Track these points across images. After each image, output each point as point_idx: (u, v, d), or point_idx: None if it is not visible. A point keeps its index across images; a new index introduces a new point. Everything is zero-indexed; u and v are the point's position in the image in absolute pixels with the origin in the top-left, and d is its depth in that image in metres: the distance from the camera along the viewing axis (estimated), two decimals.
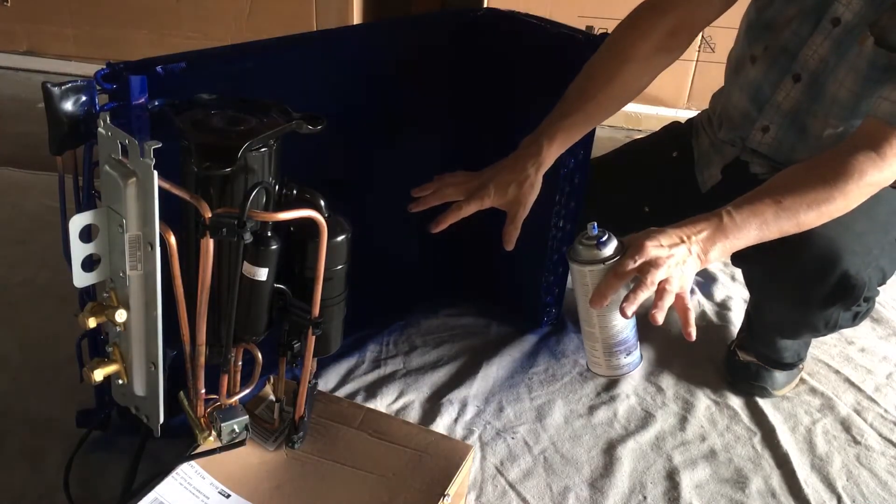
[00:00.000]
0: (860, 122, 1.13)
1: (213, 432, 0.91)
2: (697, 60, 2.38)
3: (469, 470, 1.07)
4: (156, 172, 0.72)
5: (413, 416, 1.25)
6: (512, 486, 1.14)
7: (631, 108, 2.47)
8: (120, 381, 0.86)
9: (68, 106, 0.81)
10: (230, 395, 0.92)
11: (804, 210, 1.02)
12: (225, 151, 0.76)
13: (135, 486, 0.95)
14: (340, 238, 0.88)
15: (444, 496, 0.96)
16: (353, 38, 1.22)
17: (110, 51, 2.48)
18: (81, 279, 0.80)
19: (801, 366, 1.38)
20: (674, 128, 1.49)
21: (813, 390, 1.39)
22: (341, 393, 1.28)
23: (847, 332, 1.52)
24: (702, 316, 1.56)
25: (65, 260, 0.80)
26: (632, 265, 0.95)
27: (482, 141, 1.35)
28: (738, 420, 1.31)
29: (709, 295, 1.63)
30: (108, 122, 0.76)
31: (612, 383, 1.35)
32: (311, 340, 0.90)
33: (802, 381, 1.40)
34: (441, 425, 1.23)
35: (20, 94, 2.38)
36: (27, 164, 1.91)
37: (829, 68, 1.15)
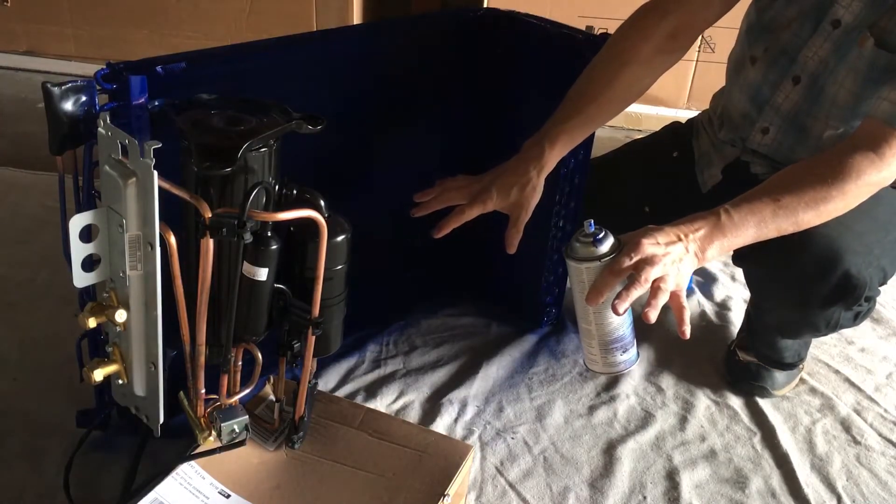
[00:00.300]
0: (860, 122, 1.13)
1: (213, 432, 0.91)
2: (697, 60, 2.38)
3: (469, 470, 1.07)
4: (156, 172, 0.72)
5: (413, 416, 1.25)
6: (512, 486, 1.14)
7: (631, 107, 2.43)
8: (120, 381, 0.86)
9: (68, 106, 0.81)
10: (230, 395, 0.92)
11: (802, 209, 1.02)
12: (225, 151, 0.76)
13: (135, 486, 0.95)
14: (340, 238, 0.88)
15: (444, 496, 0.96)
16: (353, 38, 1.22)
17: (110, 51, 2.48)
18: (81, 279, 0.80)
19: (801, 366, 1.38)
20: (674, 128, 1.49)
21: (813, 390, 1.39)
22: (341, 393, 1.28)
23: (847, 332, 1.52)
24: (702, 316, 1.56)
25: (65, 260, 0.80)
26: (627, 262, 0.95)
27: (482, 141, 1.35)
28: (738, 420, 1.31)
29: (709, 295, 1.63)
30: (108, 122, 0.76)
31: (611, 383, 1.35)
32: (311, 340, 0.90)
33: (802, 381, 1.40)
34: (441, 425, 1.23)
35: (20, 94, 2.38)
36: (27, 164, 1.91)
37: (828, 70, 1.15)
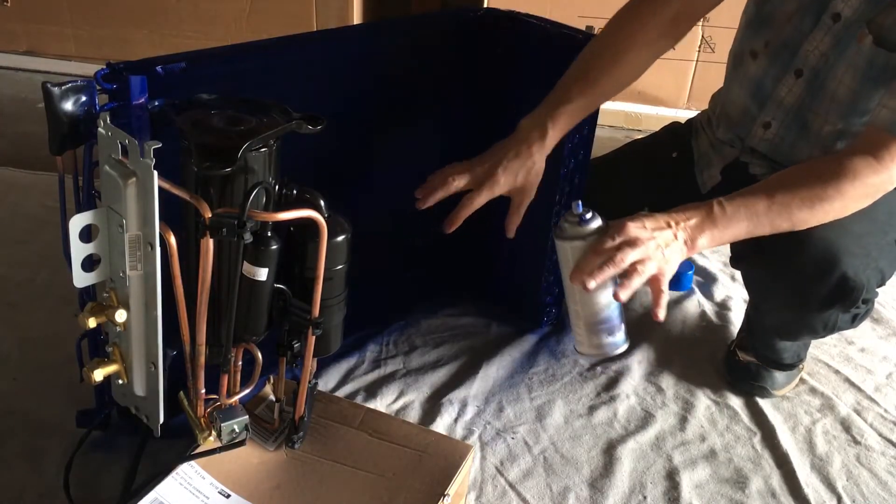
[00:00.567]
0: (859, 119, 1.14)
1: (213, 432, 0.91)
2: (697, 60, 2.38)
3: (469, 470, 1.07)
4: (156, 172, 0.72)
5: (413, 416, 1.25)
6: (512, 486, 1.14)
7: (631, 108, 2.47)
8: (120, 381, 0.86)
9: (68, 106, 0.81)
10: (230, 395, 0.92)
11: (797, 205, 1.02)
12: (225, 151, 0.76)
13: (135, 486, 0.95)
14: (340, 238, 0.88)
15: (444, 496, 0.96)
16: (353, 38, 1.22)
17: (110, 51, 2.48)
18: (81, 279, 0.80)
19: (801, 366, 1.38)
20: (674, 128, 1.49)
21: (813, 390, 1.39)
22: (341, 393, 1.28)
23: (847, 332, 1.52)
24: (702, 316, 1.56)
25: (65, 260, 0.80)
26: (610, 243, 0.96)
27: (482, 141, 1.35)
28: (738, 420, 1.31)
29: (709, 295, 1.63)
30: (108, 122, 0.76)
31: (611, 383, 1.35)
32: (311, 340, 0.90)
33: (802, 381, 1.40)
34: (441, 425, 1.23)
35: (20, 94, 2.38)
36: (27, 164, 1.91)
37: (829, 65, 1.15)
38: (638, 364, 1.41)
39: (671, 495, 1.16)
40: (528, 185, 1.11)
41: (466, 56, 1.29)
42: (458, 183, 1.09)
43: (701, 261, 1.72)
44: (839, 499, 1.17)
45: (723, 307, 1.59)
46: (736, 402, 1.34)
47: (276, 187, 0.84)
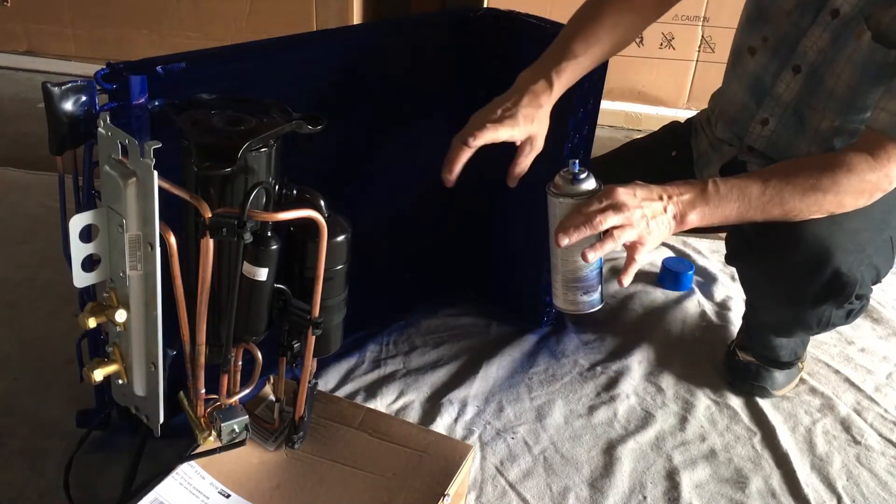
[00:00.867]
0: (857, 116, 1.14)
1: (213, 432, 0.91)
2: (697, 60, 2.38)
3: (469, 470, 1.07)
4: (156, 172, 0.73)
5: (413, 416, 1.25)
6: (512, 486, 1.14)
7: (631, 108, 2.47)
8: (120, 381, 0.86)
9: (68, 106, 0.81)
10: (230, 395, 0.92)
11: (789, 192, 1.02)
12: (225, 151, 0.76)
13: (135, 486, 0.95)
14: (340, 238, 0.88)
15: (444, 496, 0.96)
16: (353, 38, 1.22)
17: (110, 51, 2.48)
18: (81, 279, 0.80)
19: (800, 365, 1.38)
20: (673, 128, 1.49)
21: (813, 390, 1.39)
22: (341, 393, 1.28)
23: (847, 332, 1.52)
24: (702, 316, 1.56)
25: (65, 260, 0.80)
26: (596, 206, 0.97)
27: None
28: (738, 420, 1.31)
29: (709, 295, 1.63)
30: (108, 122, 0.76)
31: (611, 383, 1.35)
32: (311, 340, 0.90)
33: (802, 381, 1.40)
34: (441, 425, 1.23)
35: (20, 94, 2.38)
36: (27, 164, 1.91)
37: (827, 61, 1.15)
38: (638, 364, 1.41)
39: (671, 495, 1.16)
40: (538, 134, 1.08)
41: (466, 56, 1.29)
42: (478, 141, 1.03)
43: (701, 261, 1.72)
44: (839, 499, 1.17)
45: (723, 307, 1.59)
46: (736, 402, 1.34)
47: (276, 187, 0.84)
